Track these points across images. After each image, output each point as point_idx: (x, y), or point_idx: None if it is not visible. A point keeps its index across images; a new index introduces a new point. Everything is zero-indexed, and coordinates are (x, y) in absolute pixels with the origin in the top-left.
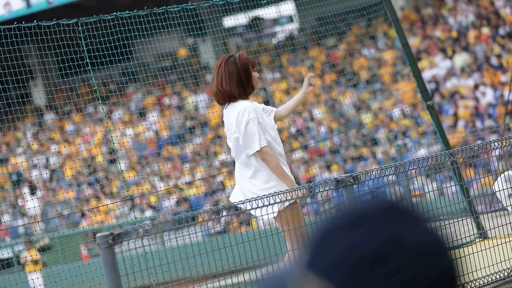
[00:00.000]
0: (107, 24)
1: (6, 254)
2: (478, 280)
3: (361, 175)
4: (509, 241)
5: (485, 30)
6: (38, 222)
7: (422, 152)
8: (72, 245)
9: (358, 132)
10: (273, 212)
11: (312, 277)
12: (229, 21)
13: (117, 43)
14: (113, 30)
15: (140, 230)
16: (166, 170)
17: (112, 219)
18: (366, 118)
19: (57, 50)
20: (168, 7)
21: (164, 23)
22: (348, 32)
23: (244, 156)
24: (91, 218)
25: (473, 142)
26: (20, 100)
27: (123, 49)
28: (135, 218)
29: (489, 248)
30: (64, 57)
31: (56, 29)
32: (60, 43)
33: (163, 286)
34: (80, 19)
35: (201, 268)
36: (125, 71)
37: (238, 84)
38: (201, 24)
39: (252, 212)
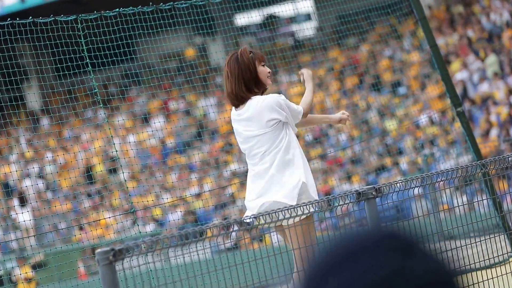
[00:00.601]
0: (108, 21)
1: None
2: None
3: (384, 187)
4: None
5: None
6: (31, 236)
7: (451, 162)
8: (69, 262)
9: (381, 140)
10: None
11: None
12: (242, 19)
13: (119, 42)
14: (115, 27)
15: (143, 245)
16: (172, 181)
17: (112, 234)
18: (390, 125)
19: (54, 49)
20: (175, 3)
21: (170, 20)
22: (371, 31)
23: (274, 153)
24: (90, 232)
25: (507, 152)
26: (13, 103)
27: (126, 49)
28: (138, 232)
29: None
30: (61, 56)
31: (53, 26)
32: (57, 41)
33: None
34: (80, 15)
35: (210, 287)
36: (128, 72)
37: (244, 83)
38: (211, 22)
39: (284, 222)
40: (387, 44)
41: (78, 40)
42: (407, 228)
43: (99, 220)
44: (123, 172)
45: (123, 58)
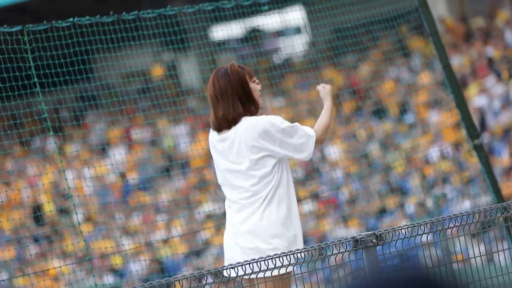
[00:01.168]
0: (61, 33)
1: None
2: None
3: (386, 233)
4: None
5: None
6: None
7: (467, 205)
8: None
9: (383, 177)
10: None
11: None
12: (219, 32)
13: (73, 58)
14: (68, 40)
15: None
16: (135, 224)
17: (64, 286)
18: (395, 159)
19: None
20: (140, 13)
21: (135, 33)
22: (373, 48)
23: (252, 184)
24: (36, 284)
25: None
26: None
27: (81, 66)
28: (94, 285)
29: None
30: (4, 75)
31: None
32: None
33: None
34: (26, 25)
35: None
36: (83, 94)
37: (240, 103)
38: (183, 35)
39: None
40: (392, 63)
41: (25, 55)
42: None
43: (48, 269)
44: (76, 213)
45: (78, 77)
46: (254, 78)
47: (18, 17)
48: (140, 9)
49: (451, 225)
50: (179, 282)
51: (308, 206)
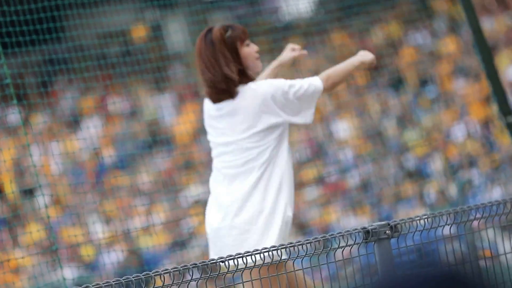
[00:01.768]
0: None
1: None
2: None
3: (402, 224)
4: None
5: None
6: None
7: (497, 192)
8: None
9: (400, 159)
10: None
11: None
12: None
13: (41, 15)
14: None
15: None
16: (110, 208)
17: (26, 280)
18: (413, 138)
19: None
20: None
21: None
22: (389, 9)
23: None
24: None
25: None
26: None
27: (50, 24)
28: (62, 278)
29: None
30: None
31: None
32: None
33: None
34: None
35: None
36: (53, 57)
37: (225, 70)
38: None
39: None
40: (412, 26)
41: None
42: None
43: (8, 260)
44: (43, 195)
45: (47, 37)
46: (247, 41)
47: None
48: None
49: (478, 216)
50: (160, 277)
51: (312, 191)
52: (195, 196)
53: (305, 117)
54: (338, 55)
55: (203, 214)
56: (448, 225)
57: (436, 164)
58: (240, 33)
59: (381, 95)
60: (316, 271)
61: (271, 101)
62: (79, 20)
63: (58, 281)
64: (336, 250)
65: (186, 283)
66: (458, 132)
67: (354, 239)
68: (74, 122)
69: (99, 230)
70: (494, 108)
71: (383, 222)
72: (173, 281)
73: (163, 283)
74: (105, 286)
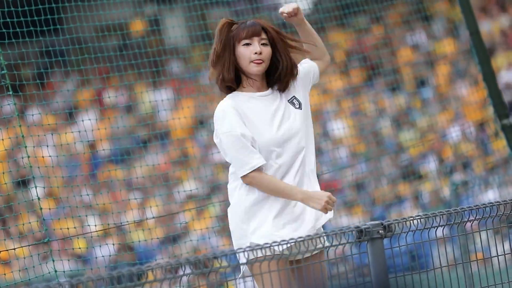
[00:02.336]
0: None
1: None
2: None
3: (395, 224)
4: None
5: None
6: None
7: (490, 195)
8: None
9: (395, 159)
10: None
11: None
12: None
13: (40, 6)
14: None
15: None
16: (103, 202)
17: (17, 272)
18: (409, 139)
19: None
20: None
21: None
22: (388, 9)
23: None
24: None
25: None
26: None
27: (48, 16)
28: (54, 271)
29: None
30: None
31: None
32: None
33: None
34: None
35: None
36: (50, 49)
37: (222, 69)
38: None
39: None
40: (409, 27)
41: None
42: (424, 282)
43: None
44: (36, 187)
45: (44, 28)
46: (245, 41)
47: None
48: None
49: (471, 218)
50: (152, 272)
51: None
52: (188, 191)
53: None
54: (335, 54)
55: (196, 210)
56: (441, 226)
57: (431, 165)
58: (239, 31)
59: (377, 95)
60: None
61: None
62: (78, 13)
63: (49, 273)
64: (328, 249)
65: (178, 278)
66: (454, 133)
67: (347, 238)
68: (69, 115)
69: (91, 223)
70: (490, 111)
71: (376, 222)
72: (165, 276)
73: (155, 277)
74: (97, 279)
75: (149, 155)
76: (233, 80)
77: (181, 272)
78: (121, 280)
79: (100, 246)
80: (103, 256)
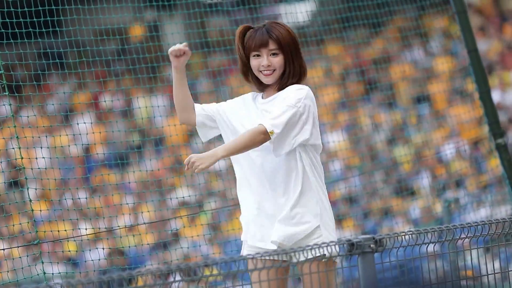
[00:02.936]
0: None
1: None
2: None
3: (387, 238)
4: None
5: None
6: None
7: (482, 213)
8: None
9: (388, 174)
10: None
11: None
12: None
13: (39, 8)
14: None
15: None
16: (96, 206)
17: (6, 273)
18: (403, 154)
19: None
20: None
21: None
22: (387, 23)
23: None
24: None
25: None
26: None
27: (47, 18)
28: (42, 273)
29: None
30: None
31: None
32: None
33: None
34: None
35: None
36: (47, 51)
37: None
38: None
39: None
40: (407, 43)
41: None
42: None
43: None
44: (28, 188)
45: (43, 30)
46: (255, 52)
47: None
48: None
49: (463, 235)
50: (142, 277)
51: None
52: (181, 198)
53: None
54: (333, 66)
55: (188, 217)
56: (433, 242)
57: (424, 182)
58: (254, 41)
59: (373, 110)
60: (300, 281)
61: None
62: (77, 16)
63: (38, 275)
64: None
65: (168, 284)
66: (448, 151)
67: (339, 251)
68: (64, 118)
69: (82, 227)
70: (485, 130)
71: (368, 236)
72: (155, 281)
73: (145, 282)
74: (87, 283)
75: (143, 160)
76: (257, 85)
77: (171, 279)
78: (111, 284)
79: (90, 250)
80: (92, 260)
